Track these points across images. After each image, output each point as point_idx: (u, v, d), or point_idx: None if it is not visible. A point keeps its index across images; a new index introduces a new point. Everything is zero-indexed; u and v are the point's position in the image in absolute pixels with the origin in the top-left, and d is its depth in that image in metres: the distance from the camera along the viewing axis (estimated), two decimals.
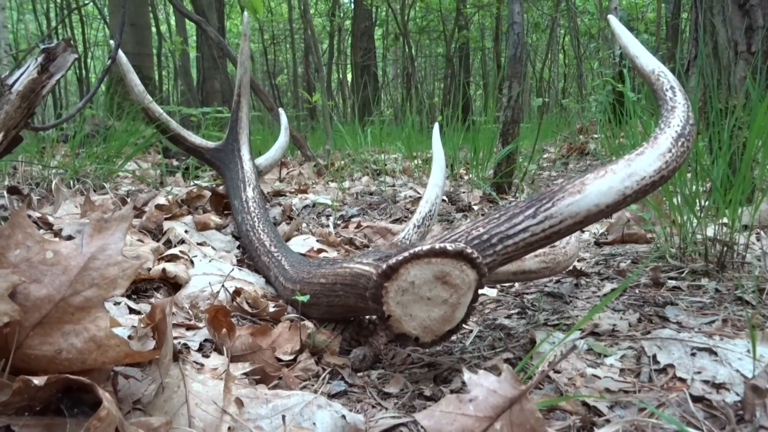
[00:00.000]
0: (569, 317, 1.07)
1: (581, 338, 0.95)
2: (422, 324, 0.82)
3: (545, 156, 5.46)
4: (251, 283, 1.30)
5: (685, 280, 1.20)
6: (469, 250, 0.78)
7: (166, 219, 1.54)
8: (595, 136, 5.52)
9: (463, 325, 0.85)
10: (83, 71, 9.07)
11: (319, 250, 1.51)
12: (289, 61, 12.72)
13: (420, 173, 3.22)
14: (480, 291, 0.83)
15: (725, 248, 1.22)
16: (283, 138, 2.07)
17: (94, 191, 1.72)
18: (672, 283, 1.20)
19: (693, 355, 0.85)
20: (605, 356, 0.89)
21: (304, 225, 1.96)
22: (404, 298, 0.80)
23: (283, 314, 1.12)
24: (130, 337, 0.83)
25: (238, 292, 1.21)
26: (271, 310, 1.13)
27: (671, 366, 0.83)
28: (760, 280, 1.15)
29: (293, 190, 2.60)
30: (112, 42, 1.80)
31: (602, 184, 0.83)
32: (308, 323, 1.01)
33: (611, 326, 0.99)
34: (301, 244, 1.56)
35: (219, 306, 0.94)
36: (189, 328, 0.98)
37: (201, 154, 1.86)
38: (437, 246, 0.78)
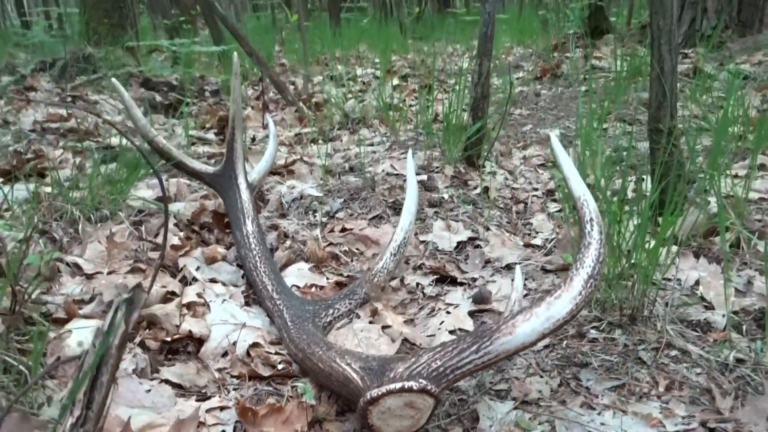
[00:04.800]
0: (509, 378, 1.40)
1: (514, 408, 1.29)
2: (396, 428, 1.14)
3: (518, 76, 5.59)
4: (259, 328, 1.61)
5: (603, 332, 1.53)
6: (429, 387, 1.09)
7: (180, 256, 1.81)
8: (569, 55, 5.63)
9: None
10: None
11: (312, 285, 1.80)
12: None
13: (397, 124, 3.42)
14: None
15: (635, 305, 1.54)
16: (272, 146, 2.28)
17: (111, 219, 1.96)
18: (593, 333, 1.53)
19: None
20: (528, 430, 1.23)
21: (293, 226, 2.23)
22: (383, 415, 1.12)
23: (290, 374, 1.44)
24: None
25: (253, 345, 1.52)
26: (280, 368, 1.45)
27: None
28: (659, 335, 1.48)
29: (282, 170, 2.82)
30: None
31: (527, 326, 1.13)
32: (311, 400, 1.32)
33: (539, 393, 1.33)
34: (296, 275, 1.85)
35: (248, 408, 1.24)
36: (222, 409, 1.29)
37: (202, 178, 2.08)
38: (406, 385, 1.09)
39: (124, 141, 2.02)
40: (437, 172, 2.77)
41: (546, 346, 1.50)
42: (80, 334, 1.40)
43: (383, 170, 2.83)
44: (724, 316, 1.55)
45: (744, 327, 1.53)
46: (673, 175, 1.72)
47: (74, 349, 1.35)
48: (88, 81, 4.97)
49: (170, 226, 1.98)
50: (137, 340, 1.45)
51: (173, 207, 2.09)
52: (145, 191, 2.24)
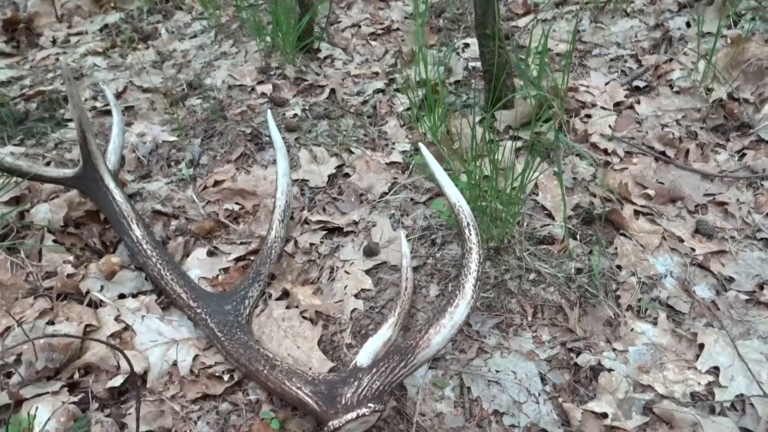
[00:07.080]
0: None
1: (430, 368, 1.64)
2: None
3: None
4: (189, 338, 1.77)
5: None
6: (377, 408, 1.38)
7: (80, 282, 1.84)
8: None
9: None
10: None
11: (217, 275, 1.93)
12: None
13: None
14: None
15: (496, 236, 1.87)
16: (117, 118, 2.16)
17: None
18: None
19: (488, 384, 1.59)
20: (443, 388, 1.60)
21: (163, 189, 2.24)
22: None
23: (237, 381, 1.66)
24: None
25: (193, 358, 1.69)
26: (226, 379, 1.67)
27: (479, 398, 1.57)
28: (519, 261, 1.85)
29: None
30: None
31: (439, 337, 1.42)
32: (277, 426, 1.56)
33: (444, 351, 1.68)
34: (197, 265, 1.95)
35: None
36: None
37: (64, 183, 1.97)
38: (360, 412, 1.37)
39: None
40: (280, 77, 2.76)
41: (437, 296, 1.83)
42: (42, 416, 1.50)
43: (224, 82, 2.77)
44: (561, 226, 1.94)
45: (578, 234, 1.94)
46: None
47: None
48: None
49: (48, 242, 1.94)
50: (95, 406, 1.57)
51: (39, 213, 2.01)
52: None
